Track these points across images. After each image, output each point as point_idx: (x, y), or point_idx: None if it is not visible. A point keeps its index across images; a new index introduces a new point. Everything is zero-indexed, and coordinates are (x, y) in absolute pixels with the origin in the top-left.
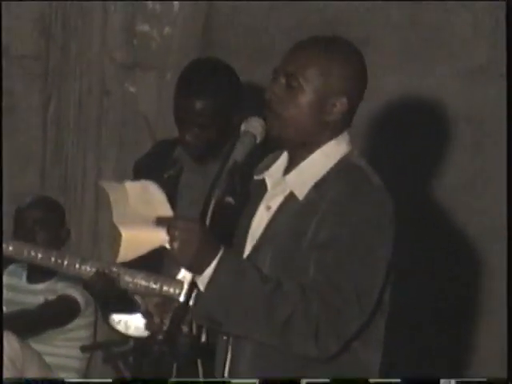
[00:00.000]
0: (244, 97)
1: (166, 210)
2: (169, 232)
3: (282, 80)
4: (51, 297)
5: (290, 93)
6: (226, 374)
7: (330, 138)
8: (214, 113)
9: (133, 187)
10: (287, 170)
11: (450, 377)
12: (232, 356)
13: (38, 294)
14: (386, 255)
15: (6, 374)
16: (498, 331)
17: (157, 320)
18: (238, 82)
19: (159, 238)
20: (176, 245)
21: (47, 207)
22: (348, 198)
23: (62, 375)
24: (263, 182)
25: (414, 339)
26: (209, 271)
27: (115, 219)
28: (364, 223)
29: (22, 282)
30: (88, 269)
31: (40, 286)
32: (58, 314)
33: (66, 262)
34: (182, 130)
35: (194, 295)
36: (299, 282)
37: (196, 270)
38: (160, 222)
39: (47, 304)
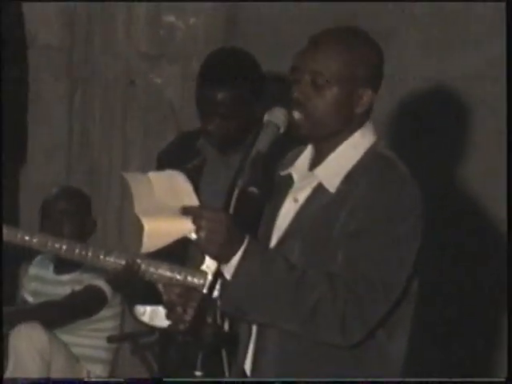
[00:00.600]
0: (267, 87)
1: (192, 200)
2: (195, 222)
3: (307, 78)
4: (78, 287)
5: (317, 91)
6: (247, 366)
7: (356, 130)
8: (236, 103)
9: (157, 177)
10: (314, 163)
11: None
12: (255, 348)
13: (65, 285)
14: (414, 246)
15: (33, 366)
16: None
17: (179, 310)
18: (261, 72)
19: (184, 228)
20: (203, 234)
21: (74, 198)
22: (377, 190)
23: (88, 366)
24: (289, 176)
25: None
26: (235, 260)
27: (137, 210)
28: (393, 214)
29: (50, 272)
30: (112, 260)
31: (66, 277)
32: (85, 304)
33: (90, 254)
34: (204, 121)
35: (219, 285)
36: (326, 270)
37: (222, 259)
38: (186, 211)
39: (74, 295)
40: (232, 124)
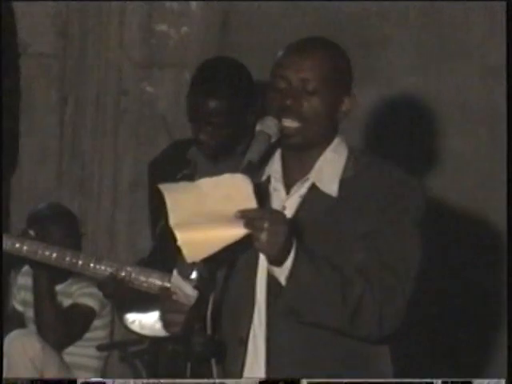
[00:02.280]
0: (258, 96)
1: (250, 203)
2: (254, 223)
3: (296, 85)
4: (67, 300)
5: (308, 97)
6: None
7: (333, 137)
8: (227, 112)
9: (210, 183)
10: (292, 170)
11: (449, 376)
12: (267, 357)
13: None
14: (421, 236)
15: (25, 374)
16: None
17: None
18: (252, 80)
19: (234, 232)
20: (264, 236)
21: (61, 220)
22: (381, 190)
23: (79, 374)
24: (265, 183)
25: (413, 338)
26: (288, 263)
27: (171, 223)
28: (400, 210)
29: None
30: (103, 268)
31: (56, 288)
32: (75, 327)
33: (80, 262)
34: (196, 130)
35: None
36: (356, 269)
37: (277, 261)
38: (244, 214)
39: (65, 320)
40: (223, 133)
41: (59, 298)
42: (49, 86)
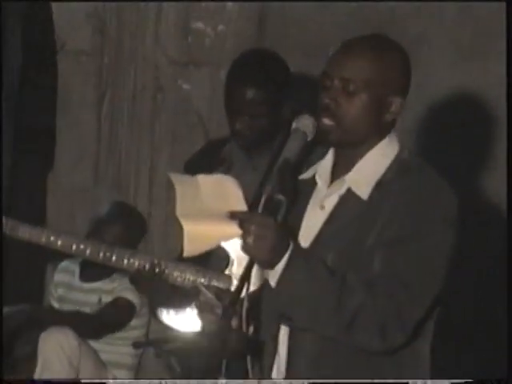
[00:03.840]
0: (295, 88)
1: (241, 205)
2: (243, 226)
3: (338, 85)
4: (106, 297)
5: (348, 97)
6: (275, 374)
7: (383, 137)
8: (264, 102)
9: (207, 181)
10: (339, 169)
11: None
12: (288, 355)
13: (93, 293)
14: (449, 251)
15: (62, 371)
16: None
17: (212, 310)
18: (289, 74)
19: (229, 232)
20: (251, 240)
21: (128, 221)
22: (414, 198)
23: (114, 371)
24: (311, 180)
25: None
26: (280, 266)
27: (179, 213)
28: (430, 223)
29: (75, 279)
30: (137, 263)
31: (95, 285)
32: (115, 319)
33: (114, 257)
34: (232, 120)
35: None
36: (363, 277)
37: (267, 265)
38: (234, 215)
39: (105, 310)
40: (260, 123)
41: (98, 294)
42: (86, 83)
